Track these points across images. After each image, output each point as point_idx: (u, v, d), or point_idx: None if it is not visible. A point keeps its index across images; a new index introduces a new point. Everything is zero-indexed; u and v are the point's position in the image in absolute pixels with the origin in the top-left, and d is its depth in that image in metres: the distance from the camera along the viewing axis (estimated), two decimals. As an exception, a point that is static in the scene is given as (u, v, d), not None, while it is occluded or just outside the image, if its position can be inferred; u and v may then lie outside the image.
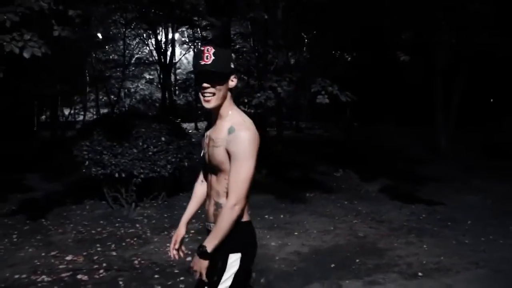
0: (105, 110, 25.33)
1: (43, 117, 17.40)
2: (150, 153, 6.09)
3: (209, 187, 2.14)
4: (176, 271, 4.39)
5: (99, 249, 5.11)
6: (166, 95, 18.67)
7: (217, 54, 1.96)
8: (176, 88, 22.72)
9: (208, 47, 1.99)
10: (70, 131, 14.88)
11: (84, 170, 6.13)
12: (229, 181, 1.97)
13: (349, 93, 6.03)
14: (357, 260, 4.70)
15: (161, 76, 19.84)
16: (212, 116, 2.12)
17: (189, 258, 4.05)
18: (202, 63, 1.95)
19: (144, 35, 18.86)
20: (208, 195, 2.15)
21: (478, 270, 4.44)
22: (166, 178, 6.43)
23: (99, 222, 6.22)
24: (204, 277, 1.99)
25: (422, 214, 6.73)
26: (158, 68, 22.46)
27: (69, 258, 4.79)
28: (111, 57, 18.62)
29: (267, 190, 7.90)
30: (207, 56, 1.95)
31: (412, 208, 7.10)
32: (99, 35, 15.34)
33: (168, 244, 5.14)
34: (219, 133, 2.02)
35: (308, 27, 6.21)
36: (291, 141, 13.08)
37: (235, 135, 1.96)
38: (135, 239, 5.47)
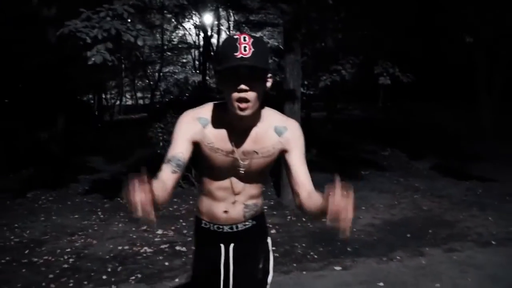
0: (140, 95, 25.99)
1: (92, 101, 18.15)
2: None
3: (229, 192, 1.81)
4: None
5: (184, 224, 5.59)
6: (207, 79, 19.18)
7: (256, 44, 1.53)
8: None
9: (245, 35, 1.55)
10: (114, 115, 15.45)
11: (158, 151, 6.58)
12: (300, 175, 1.72)
13: (410, 74, 6.30)
14: (430, 231, 5.08)
15: (201, 60, 20.29)
16: (226, 117, 1.69)
17: (273, 231, 4.45)
18: (239, 55, 1.50)
19: (180, 18, 19.24)
20: (223, 200, 1.82)
21: (548, 239, 4.75)
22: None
23: (172, 200, 6.69)
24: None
25: (478, 189, 7.03)
26: (195, 52, 22.91)
27: (159, 232, 5.28)
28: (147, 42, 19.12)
29: (322, 168, 8.22)
30: (245, 47, 1.51)
31: (467, 184, 7.39)
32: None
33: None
34: (264, 142, 1.73)
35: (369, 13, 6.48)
36: (332, 121, 13.36)
37: (289, 133, 1.75)
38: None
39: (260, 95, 1.58)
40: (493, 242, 4.67)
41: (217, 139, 1.71)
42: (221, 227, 1.86)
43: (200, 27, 19.34)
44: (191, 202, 6.53)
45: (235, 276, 1.85)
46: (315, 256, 4.42)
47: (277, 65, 24.94)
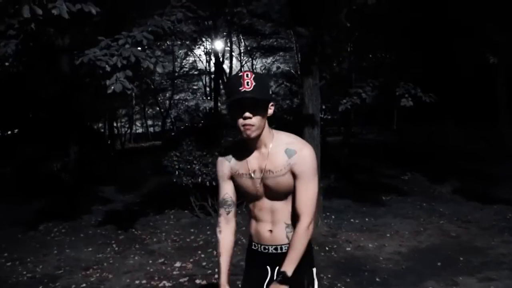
0: (150, 122, 26.16)
1: (102, 130, 18.31)
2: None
3: (269, 212, 2.07)
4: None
5: (202, 255, 5.46)
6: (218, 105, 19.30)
7: (257, 80, 1.90)
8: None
9: (247, 72, 1.93)
10: (125, 143, 15.49)
11: (175, 180, 6.52)
12: (298, 201, 1.98)
13: (432, 94, 6.22)
14: (461, 258, 4.89)
15: (212, 86, 20.47)
16: (243, 146, 2.06)
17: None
18: (242, 89, 1.87)
19: (192, 45, 19.49)
20: (266, 221, 2.09)
21: None
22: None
23: (189, 230, 6.60)
24: None
25: (507, 214, 6.81)
26: (206, 78, 23.05)
27: (178, 264, 5.16)
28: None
29: (342, 194, 8.17)
30: (247, 82, 1.88)
31: (494, 208, 7.19)
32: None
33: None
34: (275, 161, 1.99)
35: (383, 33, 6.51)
36: (349, 146, 13.27)
37: (299, 156, 1.97)
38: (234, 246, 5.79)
39: (262, 120, 1.94)
40: (531, 270, 4.48)
41: (240, 166, 2.08)
42: (266, 247, 2.11)
43: (211, 53, 19.59)
44: (208, 233, 6.41)
45: None
46: (343, 288, 4.26)
47: (288, 90, 25.20)
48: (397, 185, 9.24)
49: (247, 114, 1.90)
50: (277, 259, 2.05)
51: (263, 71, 25.07)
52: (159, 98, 20.95)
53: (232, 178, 2.11)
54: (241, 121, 1.92)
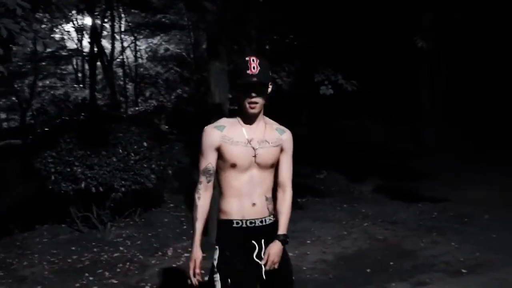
0: (3, 115, 24.46)
1: None
2: (132, 161, 6.31)
3: (252, 185, 2.62)
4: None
5: (91, 278, 5.30)
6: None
7: (261, 65, 2.55)
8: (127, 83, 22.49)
9: (253, 57, 2.56)
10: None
11: (50, 187, 6.21)
12: (284, 172, 2.72)
13: (355, 82, 6.59)
14: (391, 263, 5.28)
15: (87, 71, 19.51)
16: (238, 120, 2.66)
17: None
18: (250, 73, 2.51)
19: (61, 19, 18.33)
20: (249, 194, 2.61)
21: (520, 263, 5.15)
22: (149, 190, 6.66)
23: (70, 248, 6.35)
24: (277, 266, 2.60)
25: (432, 212, 7.45)
26: (77, 61, 21.86)
27: (60, 292, 4.95)
28: (14, 48, 17.85)
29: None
30: (254, 66, 2.52)
31: (419, 207, 7.82)
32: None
33: (174, 265, 5.50)
34: (271, 135, 2.67)
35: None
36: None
37: (287, 135, 2.73)
38: (127, 264, 5.69)
39: (264, 99, 2.60)
40: (464, 271, 4.95)
41: (234, 134, 2.61)
42: (253, 221, 2.62)
43: (84, 30, 18.72)
44: (95, 250, 6.22)
45: (270, 271, 2.60)
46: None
47: (179, 76, 24.98)
48: (312, 185, 9.64)
49: (253, 95, 2.53)
50: (261, 231, 2.63)
51: (149, 53, 24.60)
52: (16, 86, 19.54)
53: (221, 147, 2.60)
54: (247, 99, 2.54)
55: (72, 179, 6.16)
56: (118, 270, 5.49)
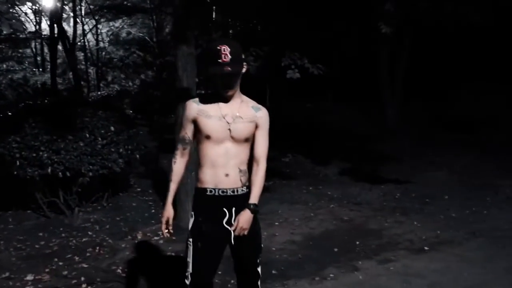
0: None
1: None
2: (99, 146, 6.26)
3: (226, 157, 2.84)
4: (173, 274, 4.76)
5: (60, 263, 5.25)
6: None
7: (233, 52, 2.67)
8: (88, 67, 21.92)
9: (224, 46, 2.68)
10: None
11: (15, 172, 6.11)
12: (259, 147, 2.92)
13: (321, 66, 6.70)
14: (358, 242, 5.45)
15: (46, 55, 19.02)
16: (215, 96, 2.86)
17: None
18: (221, 61, 2.66)
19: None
20: (223, 165, 2.85)
21: (477, 240, 5.42)
22: (117, 174, 6.64)
23: (37, 234, 6.26)
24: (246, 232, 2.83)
25: (395, 193, 7.70)
26: (36, 44, 21.34)
27: (30, 278, 4.87)
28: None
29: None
30: (224, 55, 2.65)
31: (382, 188, 8.06)
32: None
33: (144, 248, 5.52)
34: (246, 111, 2.88)
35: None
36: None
37: (262, 112, 2.94)
38: (97, 248, 5.68)
39: (237, 82, 2.80)
40: (426, 248, 5.18)
41: (210, 109, 2.83)
42: (225, 190, 2.85)
43: (42, 12, 18.25)
44: (63, 235, 6.16)
45: (239, 237, 2.83)
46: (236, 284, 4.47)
47: (142, 60, 24.66)
48: (278, 168, 9.77)
49: (227, 82, 2.74)
50: (233, 200, 2.86)
51: (110, 37, 24.19)
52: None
53: (197, 120, 2.84)
54: (221, 86, 2.76)
55: (38, 164, 6.06)
56: (88, 254, 5.47)
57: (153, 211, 7.14)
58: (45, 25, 20.54)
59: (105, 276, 4.84)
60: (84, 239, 6.02)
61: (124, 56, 23.46)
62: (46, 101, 7.16)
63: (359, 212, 6.76)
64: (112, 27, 22.58)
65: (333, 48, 13.35)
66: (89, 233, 6.23)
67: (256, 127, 2.90)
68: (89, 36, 22.59)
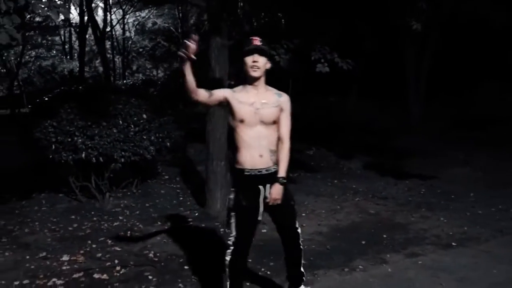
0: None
1: None
2: (132, 133, 6.35)
3: (259, 139, 3.30)
4: (202, 261, 4.83)
5: (94, 246, 5.36)
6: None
7: (262, 42, 3.31)
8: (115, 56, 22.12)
9: (254, 37, 3.33)
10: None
11: (50, 156, 6.23)
12: (283, 128, 3.38)
13: (350, 61, 6.69)
14: (385, 236, 5.47)
15: (75, 43, 19.26)
16: (246, 88, 3.36)
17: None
18: (254, 44, 3.27)
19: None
20: (257, 147, 3.29)
21: (505, 237, 5.39)
22: (147, 161, 6.73)
23: (70, 217, 6.39)
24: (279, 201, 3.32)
25: (421, 189, 7.69)
26: (65, 32, 21.59)
27: (65, 258, 4.98)
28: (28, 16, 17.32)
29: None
30: (255, 41, 3.29)
31: (407, 183, 8.04)
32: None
33: (175, 234, 5.59)
34: (270, 98, 3.36)
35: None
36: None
37: (285, 97, 3.42)
38: (129, 232, 5.78)
39: (264, 67, 3.30)
40: (454, 244, 5.16)
41: (242, 96, 3.33)
42: (260, 170, 3.31)
43: (76, 1, 18.42)
44: (94, 219, 6.29)
45: (275, 206, 3.34)
46: (268, 272, 4.53)
47: (166, 51, 24.72)
48: (303, 160, 9.80)
49: (256, 55, 3.25)
50: (266, 178, 3.31)
51: (137, 27, 24.33)
52: (3, 56, 19.23)
53: (230, 102, 3.30)
54: (250, 63, 3.25)
55: (73, 149, 6.18)
56: (120, 238, 5.58)
57: (181, 198, 7.23)
58: (74, 13, 20.78)
59: (137, 259, 4.93)
60: (115, 223, 6.13)
61: (150, 46, 23.59)
62: (80, 88, 7.23)
63: (384, 206, 6.76)
64: (139, 17, 22.70)
65: (359, 44, 13.24)
66: (120, 217, 6.34)
67: (281, 110, 3.36)
68: (116, 25, 22.72)
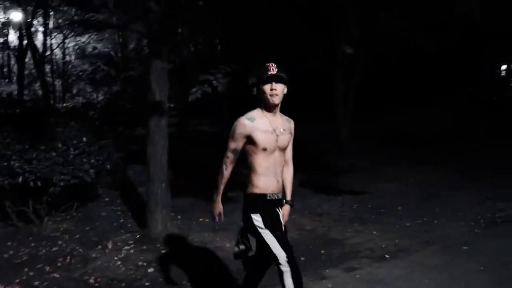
0: None
1: None
2: (71, 156, 6.00)
3: (275, 165, 3.32)
4: (146, 283, 4.57)
5: (31, 273, 4.98)
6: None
7: (278, 67, 3.18)
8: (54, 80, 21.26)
9: (270, 63, 3.18)
10: None
11: (-14, 181, 5.77)
12: (289, 153, 3.49)
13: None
14: (322, 251, 5.40)
15: (18, 67, 18.33)
16: (264, 114, 3.28)
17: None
18: (271, 72, 3.15)
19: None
20: (274, 173, 3.32)
21: (432, 247, 5.45)
22: (87, 184, 6.38)
23: (5, 244, 5.93)
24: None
25: (353, 204, 7.69)
26: (4, 56, 20.62)
27: (0, 288, 4.61)
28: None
29: (184, 192, 8.12)
30: (272, 68, 3.16)
31: (339, 199, 8.04)
32: None
33: (115, 258, 5.29)
34: (284, 124, 3.36)
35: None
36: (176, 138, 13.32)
37: (293, 124, 3.45)
38: (68, 258, 5.41)
39: (282, 93, 3.21)
40: (387, 256, 5.16)
41: (263, 125, 3.23)
42: (279, 195, 3.40)
43: (10, 25, 17.62)
44: (32, 245, 5.85)
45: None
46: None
47: (105, 76, 24.10)
48: (240, 180, 9.58)
49: (274, 83, 3.15)
50: (280, 201, 3.43)
51: (77, 51, 23.60)
52: None
53: (252, 135, 3.20)
54: (269, 91, 3.16)
55: (9, 173, 5.77)
56: (59, 264, 5.21)
57: (121, 220, 6.89)
58: (12, 37, 19.89)
59: (78, 286, 4.61)
60: (54, 249, 5.74)
61: (90, 70, 22.95)
62: (17, 111, 6.81)
63: (320, 222, 6.71)
64: (79, 42, 22.04)
65: (293, 69, 13.36)
66: (59, 242, 5.94)
67: (291, 136, 3.42)
68: (56, 49, 21.94)
